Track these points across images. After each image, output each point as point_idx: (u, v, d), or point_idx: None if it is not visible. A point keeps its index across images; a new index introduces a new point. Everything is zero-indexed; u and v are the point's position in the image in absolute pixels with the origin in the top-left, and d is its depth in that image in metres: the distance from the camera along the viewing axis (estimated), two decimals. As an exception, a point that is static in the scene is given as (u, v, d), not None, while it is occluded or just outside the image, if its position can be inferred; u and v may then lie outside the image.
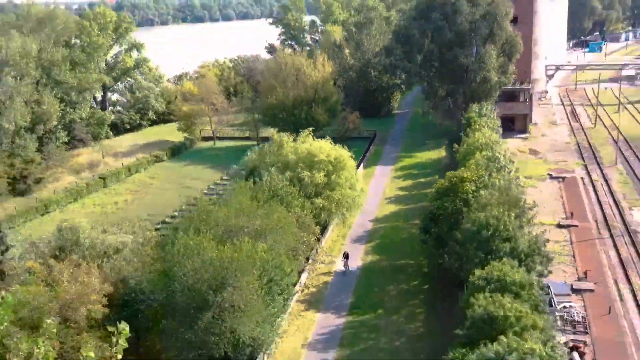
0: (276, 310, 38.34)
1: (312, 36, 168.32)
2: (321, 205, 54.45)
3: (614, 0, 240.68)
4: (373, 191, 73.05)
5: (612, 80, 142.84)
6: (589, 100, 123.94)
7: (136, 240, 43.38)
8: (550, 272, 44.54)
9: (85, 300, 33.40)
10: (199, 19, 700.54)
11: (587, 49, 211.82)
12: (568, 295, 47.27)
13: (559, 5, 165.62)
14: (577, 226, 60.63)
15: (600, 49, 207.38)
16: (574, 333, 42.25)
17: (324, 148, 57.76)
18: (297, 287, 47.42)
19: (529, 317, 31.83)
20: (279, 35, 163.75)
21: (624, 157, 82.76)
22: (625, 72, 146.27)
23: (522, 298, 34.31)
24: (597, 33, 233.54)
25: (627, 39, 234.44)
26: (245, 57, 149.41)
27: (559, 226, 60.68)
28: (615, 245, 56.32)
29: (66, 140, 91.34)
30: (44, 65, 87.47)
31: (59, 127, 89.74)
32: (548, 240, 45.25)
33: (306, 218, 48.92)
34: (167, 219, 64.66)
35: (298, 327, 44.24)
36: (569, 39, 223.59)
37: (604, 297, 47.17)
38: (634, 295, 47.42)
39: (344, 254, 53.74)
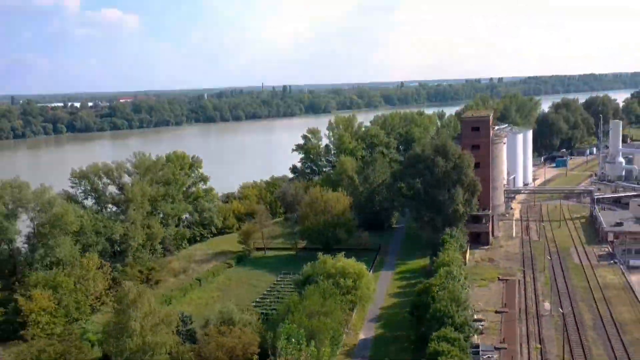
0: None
1: (328, 158, 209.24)
2: (350, 299, 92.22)
3: (578, 121, 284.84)
4: (380, 289, 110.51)
5: (566, 196, 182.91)
6: (542, 216, 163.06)
7: (253, 319, 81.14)
8: (480, 333, 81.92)
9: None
10: (210, 119, 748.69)
11: (554, 164, 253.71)
12: (492, 351, 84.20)
13: (527, 134, 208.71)
14: (507, 312, 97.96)
15: (565, 164, 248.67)
16: (490, 369, 79.23)
17: (351, 264, 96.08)
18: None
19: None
20: (301, 160, 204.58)
21: (552, 265, 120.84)
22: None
23: (458, 346, 71.75)
24: (564, 149, 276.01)
25: (591, 153, 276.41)
26: (277, 178, 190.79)
27: (496, 312, 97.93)
28: (527, 324, 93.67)
29: (162, 252, 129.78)
30: (152, 200, 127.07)
31: (157, 242, 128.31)
32: (482, 321, 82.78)
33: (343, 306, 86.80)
34: (250, 306, 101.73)
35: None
36: (540, 155, 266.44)
37: (512, 352, 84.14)
38: (528, 353, 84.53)
39: None
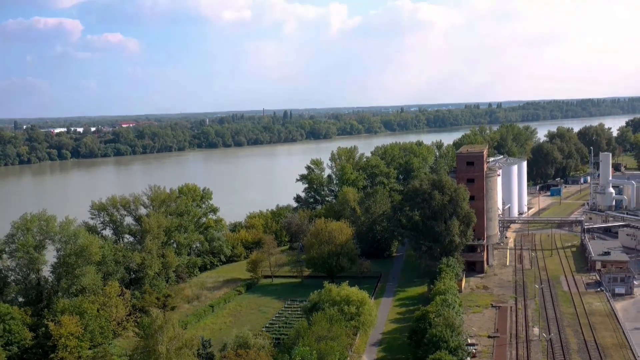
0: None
1: (330, 188, 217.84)
2: (354, 325, 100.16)
3: (572, 150, 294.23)
4: (381, 315, 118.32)
5: (558, 225, 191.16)
6: (535, 245, 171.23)
7: (266, 343, 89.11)
8: (473, 357, 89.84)
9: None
10: (212, 145, 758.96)
11: (549, 193, 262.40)
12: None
13: (521, 165, 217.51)
14: (499, 337, 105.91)
15: (560, 193, 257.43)
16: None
17: (354, 292, 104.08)
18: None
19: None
20: (304, 189, 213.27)
21: (542, 292, 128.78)
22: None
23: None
24: (559, 178, 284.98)
25: (585, 181, 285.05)
26: (282, 207, 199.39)
27: (489, 337, 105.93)
28: (517, 348, 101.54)
29: (175, 279, 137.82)
30: (166, 231, 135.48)
31: (172, 270, 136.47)
32: (476, 345, 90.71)
33: (347, 331, 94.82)
34: (262, 331, 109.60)
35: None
36: (536, 183, 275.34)
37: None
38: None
39: None
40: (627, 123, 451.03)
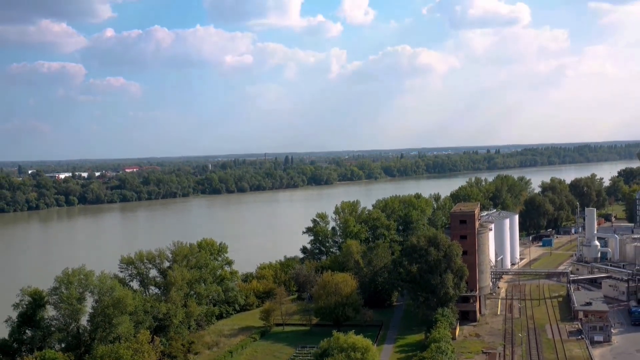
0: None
1: (334, 239, 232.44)
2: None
3: (563, 202, 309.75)
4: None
5: (549, 275, 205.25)
6: (524, 295, 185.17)
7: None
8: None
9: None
10: (216, 191, 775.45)
11: (541, 243, 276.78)
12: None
13: (513, 218, 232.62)
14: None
15: (551, 244, 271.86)
16: None
17: (359, 340, 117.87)
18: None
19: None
20: (310, 242, 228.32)
21: (528, 339, 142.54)
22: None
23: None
24: (551, 229, 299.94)
25: (575, 232, 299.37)
26: (289, 258, 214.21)
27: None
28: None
29: (195, 327, 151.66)
30: (188, 283, 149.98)
31: (193, 318, 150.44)
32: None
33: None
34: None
35: None
36: (529, 234, 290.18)
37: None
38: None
39: None
40: (619, 173, 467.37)
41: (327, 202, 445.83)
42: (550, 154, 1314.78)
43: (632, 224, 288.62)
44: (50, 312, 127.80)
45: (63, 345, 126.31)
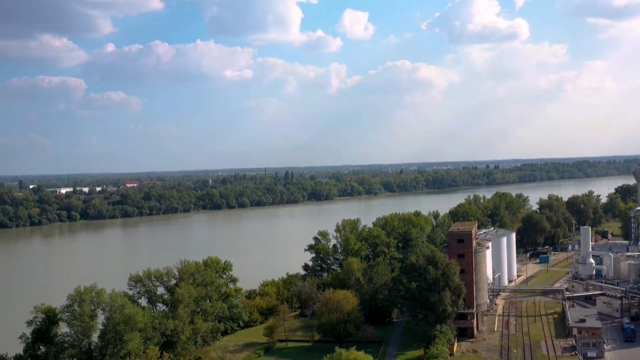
0: None
1: (335, 257, 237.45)
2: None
3: (560, 220, 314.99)
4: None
5: (545, 293, 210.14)
6: (520, 312, 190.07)
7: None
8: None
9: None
10: (217, 207, 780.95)
11: (538, 260, 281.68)
12: None
13: (510, 236, 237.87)
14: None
15: (548, 261, 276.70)
16: None
17: (360, 356, 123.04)
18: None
19: None
20: (311, 259, 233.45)
21: (524, 355, 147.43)
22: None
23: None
24: (548, 246, 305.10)
25: (572, 249, 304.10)
26: (291, 275, 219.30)
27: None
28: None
29: (201, 343, 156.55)
30: (195, 300, 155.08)
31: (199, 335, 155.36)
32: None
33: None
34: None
35: None
36: (526, 251, 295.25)
37: None
38: None
39: None
40: (616, 190, 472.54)
41: (327, 218, 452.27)
42: (549, 169, 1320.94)
43: (627, 242, 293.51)
44: (63, 328, 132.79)
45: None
